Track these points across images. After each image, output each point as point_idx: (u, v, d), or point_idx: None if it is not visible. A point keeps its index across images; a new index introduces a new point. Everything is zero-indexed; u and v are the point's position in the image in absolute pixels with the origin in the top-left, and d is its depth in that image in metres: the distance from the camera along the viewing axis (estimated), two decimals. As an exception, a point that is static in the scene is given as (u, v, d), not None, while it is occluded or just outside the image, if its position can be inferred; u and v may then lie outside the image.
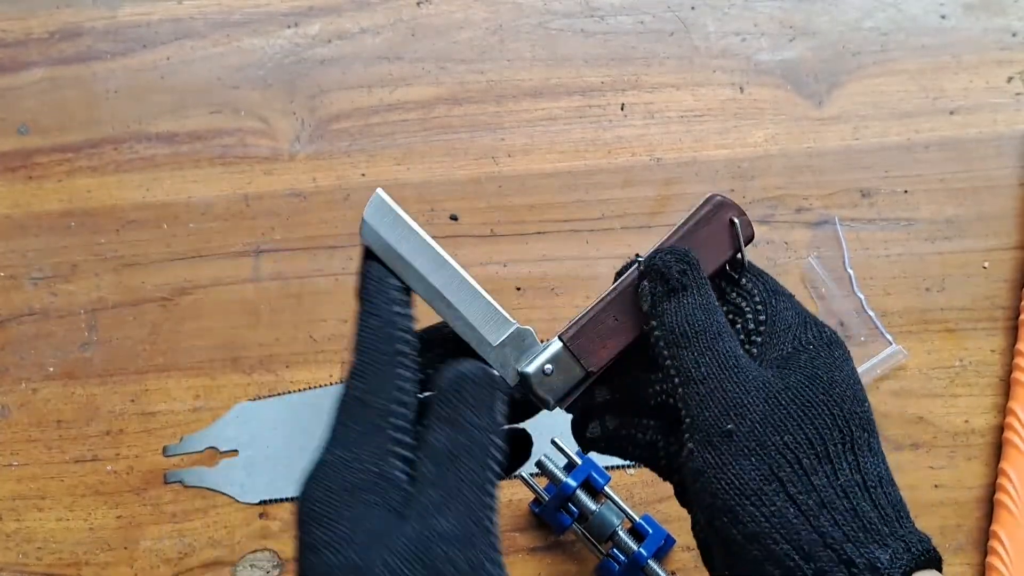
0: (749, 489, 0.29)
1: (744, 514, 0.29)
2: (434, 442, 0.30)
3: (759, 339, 0.33)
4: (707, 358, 0.31)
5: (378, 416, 0.30)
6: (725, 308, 0.34)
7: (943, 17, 0.62)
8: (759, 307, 0.34)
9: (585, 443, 0.36)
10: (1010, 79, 0.61)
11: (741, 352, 0.32)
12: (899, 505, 0.30)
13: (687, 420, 0.31)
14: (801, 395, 0.31)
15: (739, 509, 0.29)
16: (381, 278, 0.33)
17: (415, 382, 0.31)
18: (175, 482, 0.55)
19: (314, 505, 0.29)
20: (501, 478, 0.30)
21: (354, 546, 0.28)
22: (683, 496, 0.35)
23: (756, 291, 0.34)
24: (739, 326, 0.34)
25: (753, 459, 0.29)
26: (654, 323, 0.33)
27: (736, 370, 0.31)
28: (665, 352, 0.32)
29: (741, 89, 0.61)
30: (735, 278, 0.35)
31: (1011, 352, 0.56)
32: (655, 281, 0.33)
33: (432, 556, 0.27)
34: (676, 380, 0.32)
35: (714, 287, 0.34)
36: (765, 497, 0.29)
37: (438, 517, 0.28)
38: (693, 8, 0.63)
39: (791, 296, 0.35)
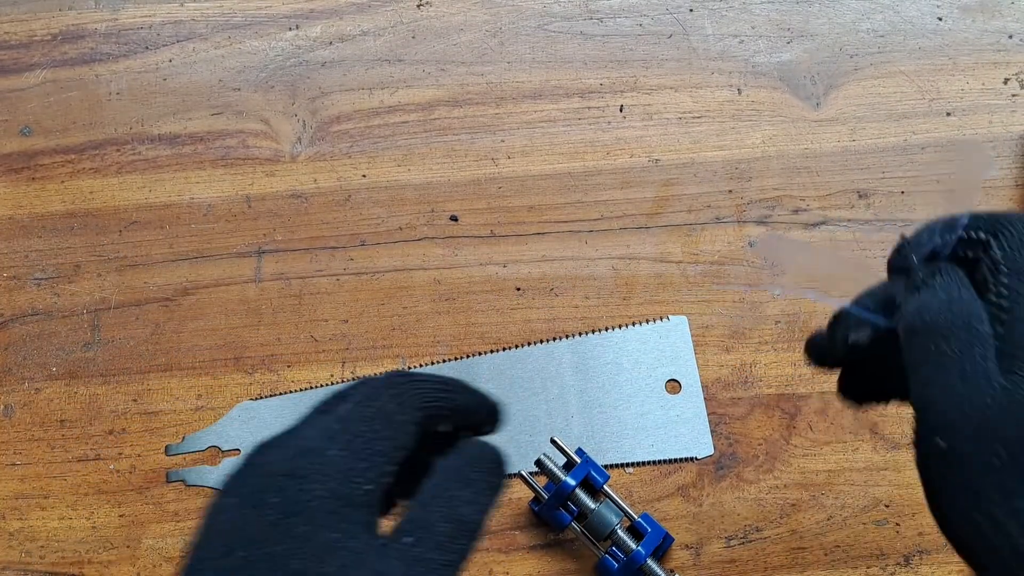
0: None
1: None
2: (434, 502, 0.28)
3: (1001, 330, 0.27)
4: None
5: (391, 447, 0.29)
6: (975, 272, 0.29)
7: (940, 19, 0.63)
8: (1002, 284, 0.27)
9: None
10: (1006, 81, 0.61)
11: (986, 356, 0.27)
12: None
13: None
14: None
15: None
16: None
17: (419, 437, 0.30)
18: (177, 481, 0.55)
19: (303, 502, 0.27)
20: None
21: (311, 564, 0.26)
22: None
23: (1005, 263, 0.28)
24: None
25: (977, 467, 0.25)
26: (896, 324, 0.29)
27: (972, 385, 0.26)
28: (903, 347, 0.28)
29: (739, 91, 0.62)
30: (987, 242, 0.29)
31: (1007, 352, 0.56)
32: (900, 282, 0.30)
33: None
34: (912, 377, 0.28)
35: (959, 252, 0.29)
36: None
37: (392, 560, 0.27)
38: (691, 10, 0.63)
39: None
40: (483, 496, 0.30)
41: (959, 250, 0.29)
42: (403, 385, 0.30)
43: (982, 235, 0.29)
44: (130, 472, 0.56)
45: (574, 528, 0.51)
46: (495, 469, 0.31)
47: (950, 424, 0.26)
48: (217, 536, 0.26)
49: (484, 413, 0.33)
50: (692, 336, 0.57)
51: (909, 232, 0.31)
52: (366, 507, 0.27)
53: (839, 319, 0.31)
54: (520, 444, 0.55)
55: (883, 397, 0.34)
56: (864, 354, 0.31)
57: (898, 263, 0.30)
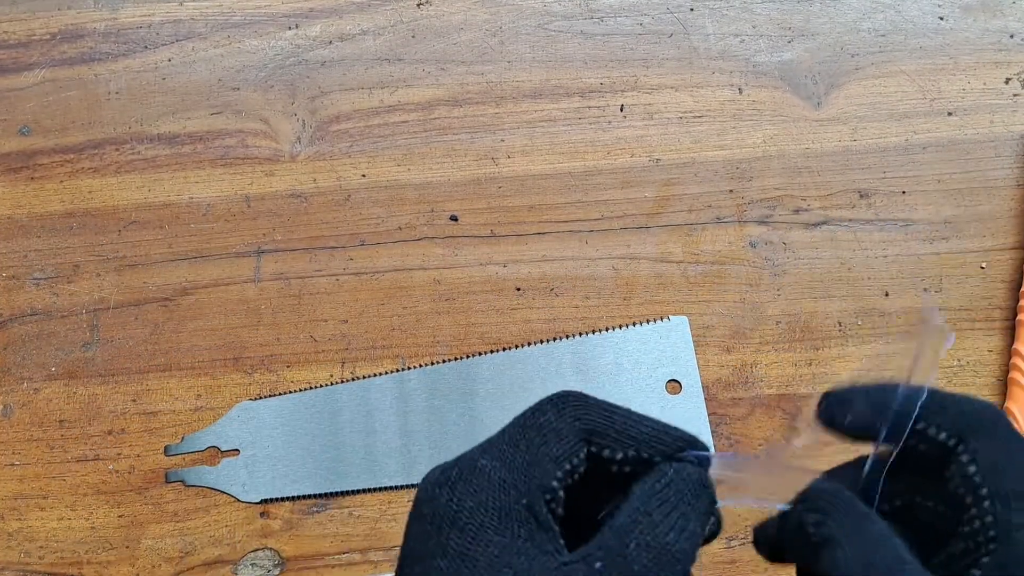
0: None
1: None
2: (657, 526, 0.26)
3: (986, 559, 0.25)
4: None
5: (549, 460, 0.27)
6: (932, 502, 0.27)
7: (941, 19, 0.62)
8: (986, 505, 0.26)
9: None
10: (1007, 80, 0.61)
11: None
12: None
13: None
14: None
15: None
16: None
17: (589, 461, 0.28)
18: (176, 481, 0.55)
19: (459, 507, 0.26)
20: None
21: (487, 568, 0.25)
22: None
23: (985, 487, 0.26)
24: (964, 530, 0.26)
25: None
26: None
27: None
28: None
29: (740, 90, 0.62)
30: (954, 448, 0.26)
31: (1008, 352, 0.56)
32: (799, 548, 0.27)
33: None
34: None
35: (920, 462, 0.27)
36: None
37: None
38: (692, 10, 0.63)
39: None
40: (689, 522, 0.26)
41: (910, 440, 0.28)
42: (566, 399, 0.29)
43: (943, 436, 0.27)
44: (129, 472, 0.56)
45: (574, 529, 0.51)
46: (698, 491, 0.27)
47: None
48: (402, 549, 0.27)
49: (662, 447, 0.28)
50: (692, 336, 0.56)
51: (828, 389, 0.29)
52: (528, 521, 0.26)
53: (789, 519, 0.28)
54: (520, 444, 0.55)
55: None
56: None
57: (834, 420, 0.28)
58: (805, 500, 0.27)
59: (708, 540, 0.28)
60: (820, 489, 0.27)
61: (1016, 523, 0.25)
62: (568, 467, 0.27)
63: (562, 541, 0.26)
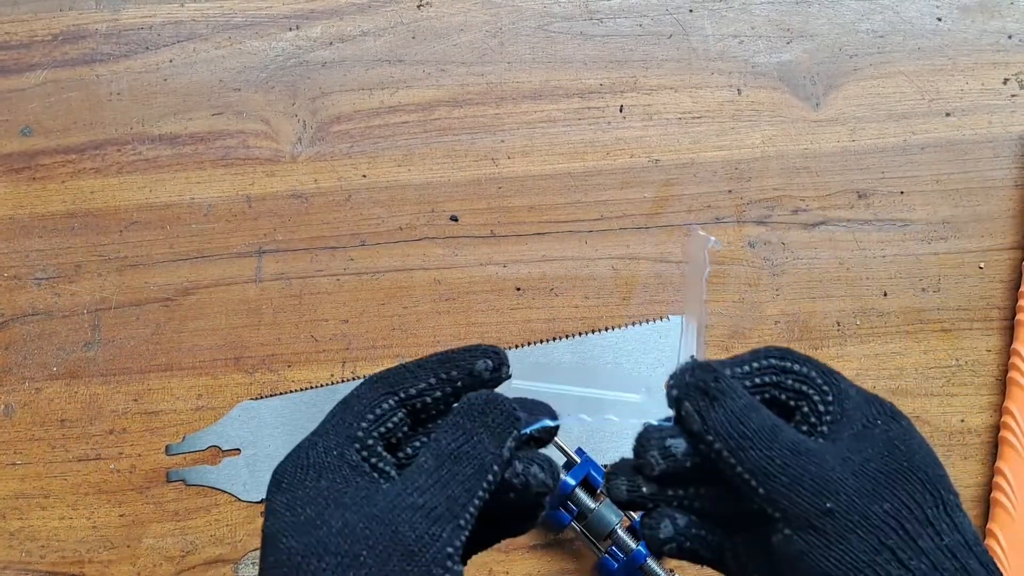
0: (861, 562, 0.29)
1: None
2: (442, 442, 0.32)
3: (828, 418, 0.33)
4: (776, 450, 0.31)
5: (352, 416, 0.33)
6: (785, 395, 0.34)
7: (939, 19, 0.63)
8: (824, 388, 0.34)
9: (657, 543, 0.35)
10: (1006, 81, 0.61)
11: (803, 437, 0.32)
12: (994, 563, 0.31)
13: (777, 515, 0.31)
14: (887, 465, 0.31)
15: None
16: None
17: (400, 407, 0.34)
18: (177, 481, 0.56)
19: (281, 477, 0.32)
20: (483, 502, 0.31)
21: (313, 507, 0.31)
22: None
23: (814, 374, 0.34)
24: (806, 409, 0.34)
25: (859, 532, 0.30)
26: (710, 438, 0.32)
27: (810, 453, 0.31)
28: (732, 460, 0.32)
29: (739, 91, 0.62)
30: (788, 367, 0.34)
31: (1007, 352, 0.56)
32: (696, 398, 0.33)
33: (396, 519, 0.30)
34: (753, 483, 0.31)
35: (762, 378, 0.34)
36: (879, 568, 0.29)
37: (418, 495, 0.30)
38: (691, 11, 0.63)
39: (842, 374, 0.35)
40: (465, 429, 0.32)
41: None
42: (384, 373, 0.34)
43: (774, 362, 0.34)
44: (130, 472, 0.56)
45: (574, 528, 0.51)
46: (479, 405, 0.33)
47: (833, 490, 0.30)
48: None
49: (454, 361, 0.34)
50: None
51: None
52: (341, 468, 0.32)
53: (646, 433, 0.34)
54: (520, 444, 0.55)
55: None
56: (680, 468, 0.33)
57: (690, 389, 0.33)
58: (697, 367, 0.33)
59: (542, 444, 0.35)
60: (705, 362, 0.34)
61: (845, 390, 0.33)
62: (372, 417, 0.33)
63: (382, 479, 0.32)
